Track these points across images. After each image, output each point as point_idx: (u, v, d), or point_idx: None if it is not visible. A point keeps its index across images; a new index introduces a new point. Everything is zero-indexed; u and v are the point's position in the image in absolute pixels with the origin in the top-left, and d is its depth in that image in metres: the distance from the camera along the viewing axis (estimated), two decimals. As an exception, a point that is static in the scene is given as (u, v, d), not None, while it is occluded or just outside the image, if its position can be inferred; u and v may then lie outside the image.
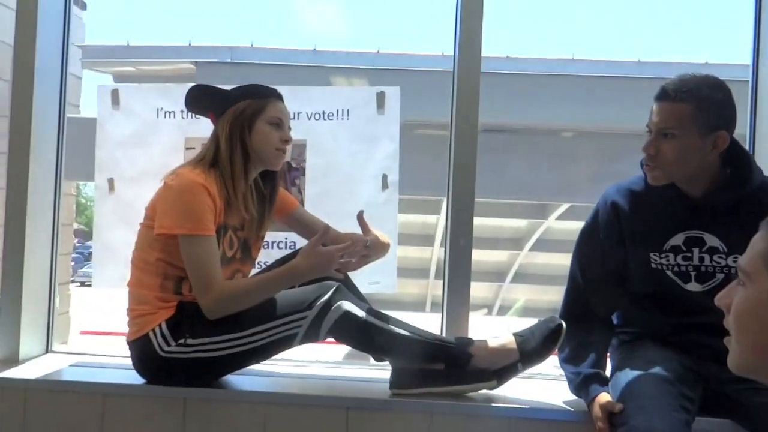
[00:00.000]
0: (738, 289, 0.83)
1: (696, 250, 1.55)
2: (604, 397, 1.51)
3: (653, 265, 1.58)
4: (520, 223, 9.52)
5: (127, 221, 2.04)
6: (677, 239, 1.56)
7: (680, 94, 1.47)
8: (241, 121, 1.69)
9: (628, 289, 1.65)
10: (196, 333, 1.60)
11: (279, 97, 1.75)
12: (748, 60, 2.06)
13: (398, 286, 2.10)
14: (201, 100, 1.80)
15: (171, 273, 1.64)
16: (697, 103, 1.46)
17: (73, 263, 6.54)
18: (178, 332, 1.60)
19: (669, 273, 1.57)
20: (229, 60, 4.33)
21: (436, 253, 8.81)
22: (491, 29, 1.95)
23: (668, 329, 1.60)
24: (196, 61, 4.51)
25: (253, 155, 1.70)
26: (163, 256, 1.63)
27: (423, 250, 8.92)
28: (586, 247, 1.67)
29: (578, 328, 1.63)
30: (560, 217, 8.38)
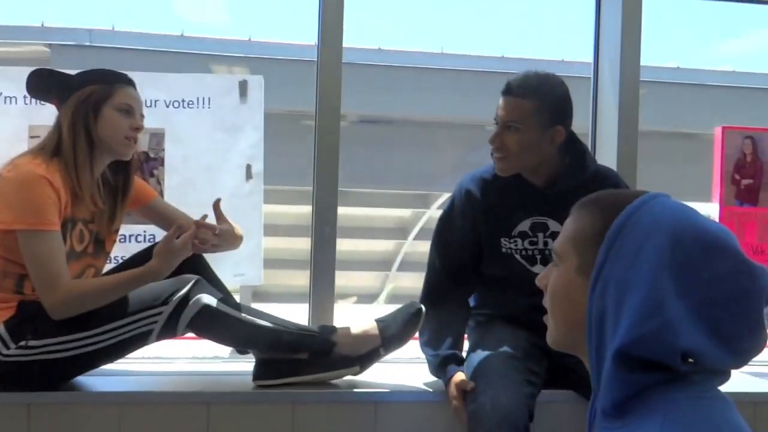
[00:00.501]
0: (553, 270, 0.89)
1: (541, 235, 1.67)
2: (459, 376, 1.58)
3: (503, 250, 1.68)
4: (405, 213, 9.73)
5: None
6: (524, 225, 1.67)
7: (523, 90, 1.58)
8: (86, 108, 1.58)
9: (483, 272, 1.74)
10: (39, 334, 1.50)
11: (129, 82, 1.66)
12: (590, 58, 2.22)
13: (279, 277, 2.08)
14: (43, 84, 1.67)
15: (10, 270, 1.53)
16: (538, 100, 1.58)
17: None
18: (19, 334, 1.49)
19: (517, 257, 1.68)
20: (87, 43, 4.05)
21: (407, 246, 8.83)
22: (360, 18, 1.97)
23: (519, 310, 1.70)
24: (50, 44, 4.19)
25: (99, 144, 1.60)
26: (1, 253, 1.52)
27: (303, 241, 8.89)
28: (444, 232, 1.74)
29: (437, 312, 1.69)
30: (441, 207, 8.66)
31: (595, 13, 2.19)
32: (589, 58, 2.26)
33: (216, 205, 1.69)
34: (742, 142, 2.22)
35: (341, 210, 2.00)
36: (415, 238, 10.20)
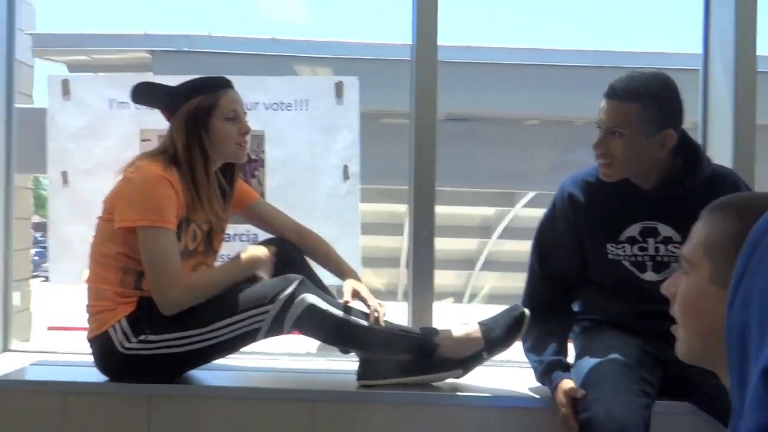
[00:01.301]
0: (682, 278, 0.84)
1: (651, 240, 1.57)
2: (567, 383, 1.52)
3: (610, 256, 1.60)
4: (489, 211, 9.60)
5: (82, 215, 1.99)
6: (633, 230, 1.58)
7: (628, 93, 1.47)
8: (196, 123, 1.64)
9: (587, 278, 1.66)
10: (157, 329, 1.56)
11: (228, 85, 1.70)
12: (699, 49, 2.09)
13: (368, 275, 2.09)
14: (147, 96, 1.75)
15: (131, 267, 1.60)
16: (644, 103, 1.47)
17: (36, 258, 6.35)
18: (139, 328, 1.57)
19: (626, 263, 1.59)
20: (186, 49, 4.23)
21: (406, 242, 8.81)
22: (452, 18, 1.94)
23: (628, 317, 1.62)
24: (152, 50, 4.40)
25: (213, 154, 1.66)
26: (124, 250, 1.59)
27: (393, 240, 8.94)
28: (545, 237, 1.68)
29: (540, 317, 1.64)
30: (527, 205, 8.47)
31: (704, 3, 2.05)
32: (694, 48, 2.12)
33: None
34: None
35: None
36: (499, 237, 10.06)
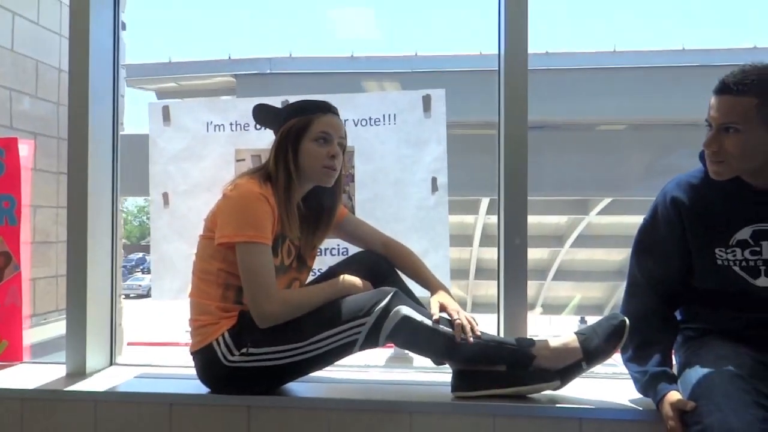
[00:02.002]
0: None
1: (765, 244, 1.50)
2: (675, 395, 1.47)
3: (719, 262, 1.54)
4: (561, 220, 9.40)
5: (182, 234, 2.09)
6: (744, 233, 1.51)
7: (742, 87, 1.41)
8: (287, 142, 1.71)
9: (692, 285, 1.60)
10: (257, 342, 1.62)
11: (327, 110, 1.75)
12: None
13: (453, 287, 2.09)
14: (262, 118, 1.83)
15: (232, 283, 1.66)
16: (761, 95, 1.41)
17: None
18: (241, 341, 1.62)
19: (736, 269, 1.53)
20: (268, 71, 4.37)
21: (475, 253, 8.75)
22: (532, 25, 1.93)
23: (737, 325, 1.55)
24: (235, 74, 4.57)
25: (300, 175, 1.71)
26: (224, 266, 1.66)
27: (461, 251, 8.87)
28: (646, 244, 1.62)
29: (640, 326, 1.59)
30: (601, 212, 8.25)
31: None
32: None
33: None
34: None
35: (493, 218, 1.95)
36: (572, 246, 9.82)
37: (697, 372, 1.47)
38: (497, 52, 1.95)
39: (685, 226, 1.56)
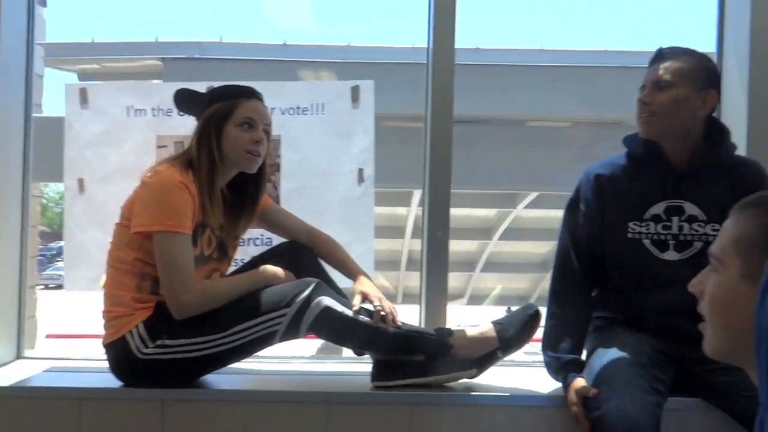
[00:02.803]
0: (711, 275, 0.86)
1: (675, 219, 1.61)
2: (579, 382, 1.55)
3: (629, 235, 1.62)
4: (489, 213, 9.60)
5: (98, 222, 2.01)
6: (658, 208, 1.62)
7: (676, 54, 1.60)
8: (210, 127, 1.67)
9: (606, 268, 1.68)
10: (174, 334, 1.58)
11: (251, 95, 1.71)
12: (712, 48, 2.11)
13: (378, 277, 2.10)
14: (184, 103, 1.78)
15: (148, 273, 1.62)
16: (691, 61, 1.59)
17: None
18: (156, 333, 1.58)
19: (646, 242, 1.62)
20: (197, 56, 4.25)
21: (407, 245, 8.84)
22: (461, 21, 1.97)
23: (642, 310, 1.64)
24: (163, 58, 4.42)
25: (222, 160, 1.67)
26: (141, 256, 1.61)
27: (393, 242, 8.94)
28: (571, 218, 1.70)
29: (561, 307, 1.66)
30: (529, 206, 8.48)
31: (718, 3, 2.07)
32: (706, 47, 2.14)
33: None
34: None
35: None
36: (500, 238, 10.06)
37: (601, 360, 1.56)
38: (426, 46, 1.97)
39: (605, 201, 1.65)
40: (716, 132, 1.63)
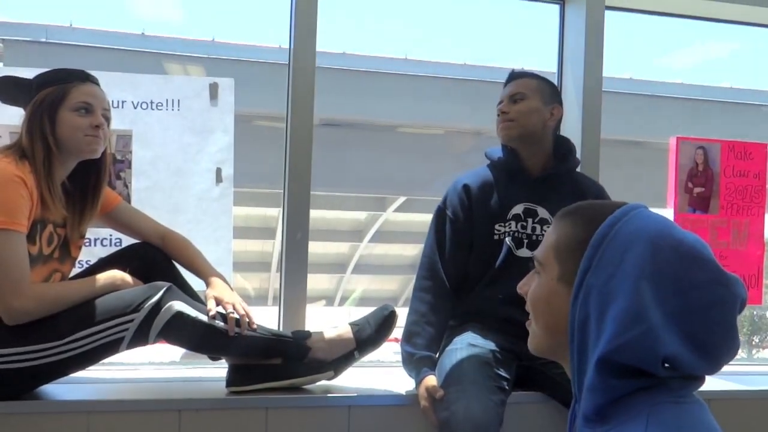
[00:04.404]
0: (534, 277, 0.93)
1: (530, 220, 1.78)
2: (431, 380, 1.62)
3: (495, 237, 1.77)
4: (360, 215, 9.74)
5: None
6: (518, 209, 1.79)
7: (526, 73, 1.85)
8: (41, 113, 1.54)
9: (468, 264, 1.79)
10: (5, 342, 1.45)
11: (85, 78, 1.60)
12: (554, 68, 2.30)
13: (238, 279, 2.06)
14: (7, 93, 1.62)
15: None
16: (539, 80, 1.84)
17: None
18: (-17, 342, 1.44)
19: (507, 239, 1.76)
20: (43, 39, 3.91)
21: (278, 246, 8.73)
22: (327, 25, 1.98)
23: (490, 302, 1.74)
24: (3, 39, 4.03)
25: (59, 147, 1.55)
26: None
27: (264, 243, 8.80)
28: (439, 224, 1.81)
29: (422, 305, 1.73)
30: (397, 210, 8.70)
31: (559, 25, 2.26)
32: (549, 67, 2.33)
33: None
34: (694, 152, 2.33)
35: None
36: (370, 241, 10.24)
37: (450, 359, 1.63)
38: (288, 47, 1.96)
39: (473, 207, 1.78)
40: (563, 146, 1.85)
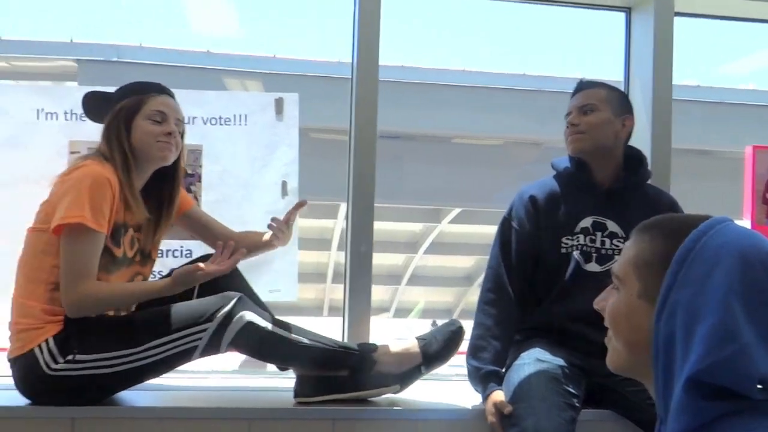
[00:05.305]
0: (612, 293, 0.90)
1: (599, 234, 1.74)
2: (499, 395, 1.59)
3: (562, 250, 1.73)
4: (415, 227, 9.74)
5: (2, 230, 1.88)
6: (586, 222, 1.74)
7: (595, 83, 1.80)
8: (118, 122, 1.62)
9: (532, 280, 1.75)
10: (86, 348, 1.51)
11: (161, 90, 1.67)
12: (620, 77, 2.25)
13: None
14: (95, 107, 1.71)
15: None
16: (609, 90, 1.78)
17: None
18: (67, 348, 1.50)
19: (576, 253, 1.72)
20: (115, 59, 4.10)
21: (333, 257, 8.82)
22: (385, 38, 2.00)
23: (558, 318, 1.71)
24: (78, 59, 4.24)
25: (135, 154, 1.62)
26: (56, 262, 1.52)
27: (320, 255, 8.90)
28: (502, 237, 1.78)
29: (488, 319, 1.71)
30: (453, 221, 8.66)
31: (625, 33, 2.21)
32: (613, 76, 2.28)
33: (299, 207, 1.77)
34: (772, 161, 2.23)
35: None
36: (425, 252, 10.22)
37: (518, 374, 1.60)
38: (351, 61, 1.98)
39: (539, 219, 1.75)
40: (634, 157, 1.80)
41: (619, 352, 0.89)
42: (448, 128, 5.98)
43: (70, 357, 1.50)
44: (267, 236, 1.76)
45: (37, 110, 1.95)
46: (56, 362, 1.50)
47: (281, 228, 1.74)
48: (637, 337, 0.85)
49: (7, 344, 1.57)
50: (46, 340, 1.50)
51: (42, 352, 1.50)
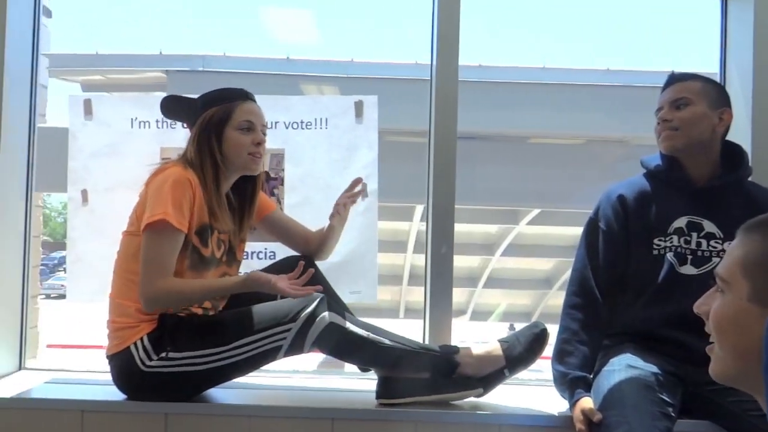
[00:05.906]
0: (716, 296, 0.84)
1: (695, 235, 1.64)
2: (587, 402, 1.53)
3: (654, 252, 1.64)
4: (491, 229, 9.60)
5: (101, 233, 2.00)
6: (681, 222, 1.65)
7: (688, 75, 1.68)
8: (209, 132, 1.67)
9: (623, 282, 1.68)
10: (178, 346, 1.57)
11: (246, 97, 1.72)
12: (715, 68, 2.12)
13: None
14: (174, 110, 1.78)
15: None
16: (704, 82, 1.67)
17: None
18: (160, 346, 1.57)
19: (669, 255, 1.64)
20: (201, 68, 4.28)
21: (409, 259, 8.83)
22: (463, 37, 1.97)
23: (653, 322, 1.62)
24: (167, 70, 4.45)
25: (226, 164, 1.67)
26: None
27: (396, 257, 8.93)
28: (588, 238, 1.71)
29: (574, 323, 1.64)
30: (530, 222, 8.47)
31: (721, 21, 2.09)
32: (707, 68, 2.15)
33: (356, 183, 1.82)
34: None
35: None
36: (502, 254, 10.04)
37: (609, 381, 1.53)
38: (430, 63, 1.97)
39: (629, 220, 1.67)
40: (734, 152, 1.68)
41: (725, 359, 0.84)
42: (529, 127, 5.86)
43: (163, 354, 1.56)
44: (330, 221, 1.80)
45: (131, 119, 2.06)
46: (150, 359, 1.56)
47: (341, 206, 1.78)
48: (745, 343, 0.80)
49: (105, 342, 1.66)
50: (141, 338, 1.58)
51: (137, 349, 1.57)
